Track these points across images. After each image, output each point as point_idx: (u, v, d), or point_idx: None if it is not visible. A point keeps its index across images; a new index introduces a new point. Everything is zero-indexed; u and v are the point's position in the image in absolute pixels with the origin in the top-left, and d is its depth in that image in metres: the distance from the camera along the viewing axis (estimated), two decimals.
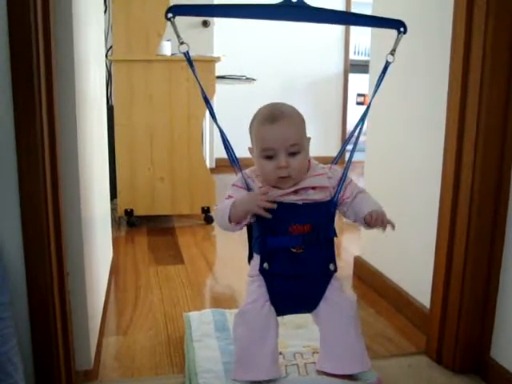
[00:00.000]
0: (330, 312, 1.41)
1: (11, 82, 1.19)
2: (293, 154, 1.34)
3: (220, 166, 4.95)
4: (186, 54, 1.34)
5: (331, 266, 1.41)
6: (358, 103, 6.10)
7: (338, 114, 5.94)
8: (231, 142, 1.43)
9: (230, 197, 1.39)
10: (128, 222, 3.36)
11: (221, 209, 1.36)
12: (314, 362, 1.53)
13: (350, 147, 1.54)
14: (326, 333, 1.43)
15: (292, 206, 1.35)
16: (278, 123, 1.34)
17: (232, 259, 2.75)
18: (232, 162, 1.43)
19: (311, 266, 1.39)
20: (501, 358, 1.53)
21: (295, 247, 1.36)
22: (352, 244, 2.66)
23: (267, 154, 1.35)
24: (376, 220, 1.37)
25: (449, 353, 1.62)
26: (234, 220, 1.34)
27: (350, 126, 5.90)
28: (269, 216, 1.31)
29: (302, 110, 1.44)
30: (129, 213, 3.33)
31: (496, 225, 1.51)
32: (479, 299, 1.56)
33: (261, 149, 1.36)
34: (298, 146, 1.35)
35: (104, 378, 1.59)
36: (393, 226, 1.39)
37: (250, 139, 1.44)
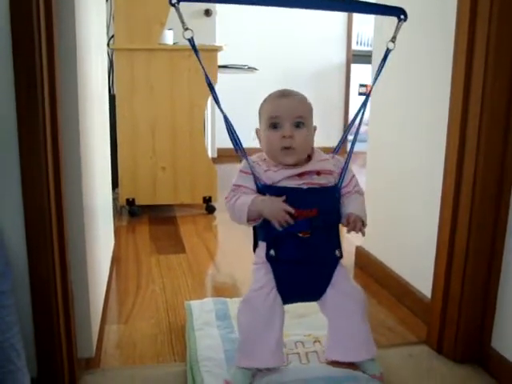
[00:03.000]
0: (337, 299, 1.41)
1: (13, 72, 1.19)
2: (298, 128, 1.37)
3: (222, 156, 4.94)
4: (191, 40, 1.32)
5: (337, 252, 1.42)
6: (361, 94, 6.07)
7: (341, 104, 5.92)
8: None
9: (236, 186, 1.38)
10: (129, 212, 3.36)
11: (238, 208, 1.34)
12: (315, 351, 1.54)
13: (350, 137, 1.54)
14: (334, 320, 1.43)
15: (297, 190, 1.35)
16: (287, 97, 1.40)
17: (233, 248, 2.76)
18: (236, 146, 1.41)
19: (318, 251, 1.39)
20: (502, 347, 1.53)
21: (302, 232, 1.36)
22: (353, 234, 2.66)
23: (273, 121, 1.38)
24: (350, 224, 1.38)
25: (450, 343, 1.63)
26: (251, 220, 1.34)
27: (352, 117, 5.87)
28: (280, 229, 1.32)
29: None
30: (130, 202, 3.33)
31: (498, 215, 1.51)
32: (480, 289, 1.57)
33: (267, 117, 1.39)
34: (303, 119, 1.38)
35: (106, 366, 1.60)
36: (363, 234, 1.41)
37: (254, 128, 1.44)
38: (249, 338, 1.38)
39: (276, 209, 1.31)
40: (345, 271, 1.45)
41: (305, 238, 1.36)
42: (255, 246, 1.47)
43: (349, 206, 1.41)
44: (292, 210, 1.31)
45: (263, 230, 1.40)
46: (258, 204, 1.32)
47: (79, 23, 1.46)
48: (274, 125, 1.38)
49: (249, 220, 1.34)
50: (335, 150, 1.54)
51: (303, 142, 1.38)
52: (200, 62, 1.34)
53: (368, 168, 2.43)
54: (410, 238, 2.03)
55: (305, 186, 1.36)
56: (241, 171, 1.41)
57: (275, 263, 1.38)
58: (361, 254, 2.43)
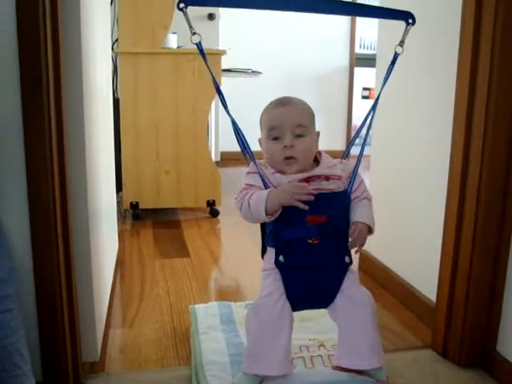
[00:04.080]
0: (347, 305, 1.38)
1: (19, 75, 1.19)
2: (299, 137, 1.37)
3: (225, 160, 4.95)
4: (199, 45, 1.32)
5: (347, 259, 1.40)
6: (364, 97, 6.08)
7: (344, 107, 5.92)
8: None
9: (248, 185, 1.38)
10: (133, 215, 3.36)
11: (255, 202, 1.32)
12: (320, 355, 1.54)
13: (357, 141, 1.54)
14: (345, 327, 1.40)
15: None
16: (286, 106, 1.39)
17: (237, 252, 2.76)
18: (244, 150, 1.41)
19: (327, 257, 1.38)
20: (507, 352, 1.53)
21: (311, 238, 1.35)
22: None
23: (273, 134, 1.37)
24: (355, 236, 1.38)
25: (454, 347, 1.62)
26: (270, 212, 1.32)
27: (355, 120, 5.88)
28: (306, 208, 1.30)
29: None
30: (134, 206, 3.34)
31: (503, 219, 1.50)
32: (485, 293, 1.56)
33: (268, 129, 1.38)
34: (304, 129, 1.37)
35: (110, 370, 1.59)
36: (356, 251, 1.41)
37: (259, 131, 1.44)
38: (257, 345, 1.36)
39: (291, 189, 1.30)
40: (354, 277, 1.43)
41: (314, 244, 1.35)
42: (263, 251, 1.45)
43: (356, 213, 1.40)
44: (307, 187, 1.31)
45: (272, 236, 1.39)
46: (273, 195, 1.31)
47: (84, 27, 1.47)
48: (274, 136, 1.37)
49: (268, 213, 1.31)
50: (344, 156, 1.52)
51: (305, 151, 1.37)
52: (208, 67, 1.34)
53: (372, 171, 2.43)
54: (415, 241, 2.03)
55: (315, 192, 1.34)
56: (248, 172, 1.40)
57: (284, 269, 1.37)
58: (365, 257, 2.43)
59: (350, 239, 1.39)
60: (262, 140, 1.42)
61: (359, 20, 5.79)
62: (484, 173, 1.48)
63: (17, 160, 1.23)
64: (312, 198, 1.30)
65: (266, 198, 1.31)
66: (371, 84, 5.57)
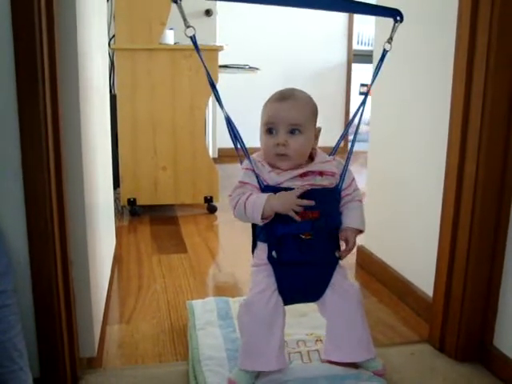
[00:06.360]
0: (336, 299, 1.41)
1: (15, 71, 1.19)
2: (292, 134, 1.35)
3: (223, 156, 4.95)
4: (193, 38, 1.31)
5: (337, 254, 1.42)
6: (361, 93, 6.08)
7: (341, 103, 5.92)
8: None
9: (242, 183, 1.37)
10: (131, 212, 3.36)
11: (251, 205, 1.31)
12: (317, 350, 1.54)
13: (351, 137, 1.54)
14: (333, 320, 1.43)
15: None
16: (284, 102, 1.37)
17: (235, 248, 2.76)
18: (237, 146, 1.40)
19: (319, 253, 1.39)
20: (503, 346, 1.53)
21: (304, 233, 1.35)
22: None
23: (267, 127, 1.37)
24: (345, 244, 1.41)
25: (451, 341, 1.63)
26: (266, 217, 1.31)
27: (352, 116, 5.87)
28: (298, 219, 1.31)
29: None
30: (132, 202, 3.34)
31: (500, 213, 1.50)
32: (482, 288, 1.56)
33: (263, 122, 1.38)
34: (298, 127, 1.36)
35: (107, 366, 1.60)
36: (340, 257, 1.44)
37: (256, 128, 1.44)
38: (251, 341, 1.37)
39: (289, 199, 1.30)
40: (343, 271, 1.45)
41: (307, 239, 1.36)
42: (254, 247, 1.46)
43: (348, 217, 1.43)
44: (310, 203, 1.31)
45: (265, 232, 1.39)
46: (272, 202, 1.30)
47: (80, 23, 1.46)
48: (269, 130, 1.37)
49: (264, 218, 1.31)
50: (333, 152, 1.52)
51: (298, 149, 1.36)
52: (202, 60, 1.33)
53: (369, 167, 2.43)
54: (412, 236, 2.03)
55: (308, 188, 1.35)
56: (244, 168, 1.40)
57: (277, 265, 1.37)
58: (362, 252, 2.43)
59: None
60: (260, 131, 1.41)
61: (356, 16, 5.78)
62: (481, 168, 1.48)
63: (13, 156, 1.23)
64: (312, 202, 1.31)
65: (263, 205, 1.29)
66: (369, 80, 5.56)
